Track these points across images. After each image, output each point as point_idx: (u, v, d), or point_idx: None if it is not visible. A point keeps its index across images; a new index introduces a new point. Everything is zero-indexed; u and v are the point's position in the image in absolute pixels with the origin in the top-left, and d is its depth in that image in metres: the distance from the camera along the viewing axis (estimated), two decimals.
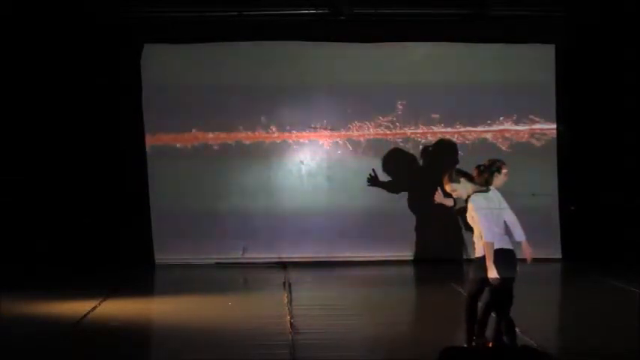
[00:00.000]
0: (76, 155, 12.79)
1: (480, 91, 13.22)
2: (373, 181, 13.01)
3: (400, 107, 13.25)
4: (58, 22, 12.60)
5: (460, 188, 7.54)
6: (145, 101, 13.05)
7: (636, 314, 8.49)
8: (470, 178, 7.59)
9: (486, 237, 7.33)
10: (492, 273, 7.26)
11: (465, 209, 7.61)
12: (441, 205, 7.97)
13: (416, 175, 13.14)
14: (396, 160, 13.25)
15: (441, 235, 12.85)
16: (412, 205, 13.05)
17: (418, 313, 10.25)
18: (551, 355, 7.41)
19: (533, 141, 13.34)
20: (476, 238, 7.51)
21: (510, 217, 7.65)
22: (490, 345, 7.47)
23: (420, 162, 13.20)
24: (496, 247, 7.33)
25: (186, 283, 11.76)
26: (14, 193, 12.52)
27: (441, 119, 13.27)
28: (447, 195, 7.84)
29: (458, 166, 12.80)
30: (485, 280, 7.37)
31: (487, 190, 7.57)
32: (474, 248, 7.64)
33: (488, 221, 7.39)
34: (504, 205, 7.62)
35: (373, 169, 13.01)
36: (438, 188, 7.96)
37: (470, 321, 7.53)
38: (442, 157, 13.08)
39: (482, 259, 7.34)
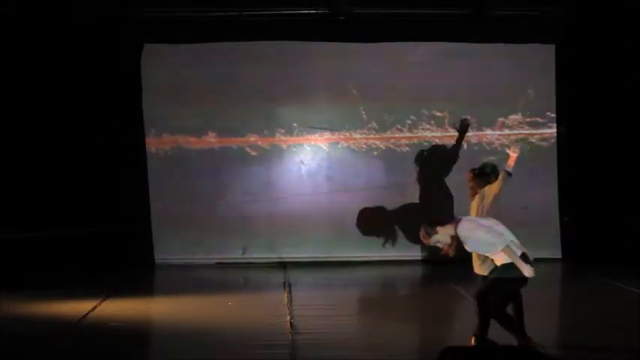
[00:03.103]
0: (77, 155, 12.79)
1: (479, 91, 13.21)
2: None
3: (400, 107, 13.24)
4: (57, 21, 12.60)
5: (441, 237, 7.48)
6: (145, 101, 13.05)
7: (636, 314, 8.49)
8: (442, 223, 7.54)
9: (500, 244, 7.32)
10: (527, 271, 7.28)
11: (457, 244, 7.56)
12: (422, 228, 7.85)
13: (415, 175, 13.13)
14: (395, 159, 13.25)
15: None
16: (412, 205, 13.04)
17: (418, 313, 10.24)
18: (551, 355, 7.40)
19: (533, 141, 13.33)
20: (489, 254, 7.50)
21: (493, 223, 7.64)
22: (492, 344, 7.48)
23: (419, 162, 13.19)
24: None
25: (186, 283, 11.76)
26: (14, 193, 12.52)
27: (441, 119, 13.26)
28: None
29: (456, 166, 12.94)
30: (510, 281, 7.39)
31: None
32: (482, 261, 7.69)
33: (490, 231, 7.38)
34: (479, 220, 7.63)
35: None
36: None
37: (485, 317, 7.51)
38: (441, 157, 13.10)
39: (507, 265, 7.36)
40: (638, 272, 10.20)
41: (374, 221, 13.09)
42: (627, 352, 7.64)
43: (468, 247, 7.47)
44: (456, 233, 7.40)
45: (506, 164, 8.36)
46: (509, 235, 7.45)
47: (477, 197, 8.33)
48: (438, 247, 7.59)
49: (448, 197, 12.72)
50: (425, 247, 12.98)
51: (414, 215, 13.00)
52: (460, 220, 7.48)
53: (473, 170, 8.56)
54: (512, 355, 6.48)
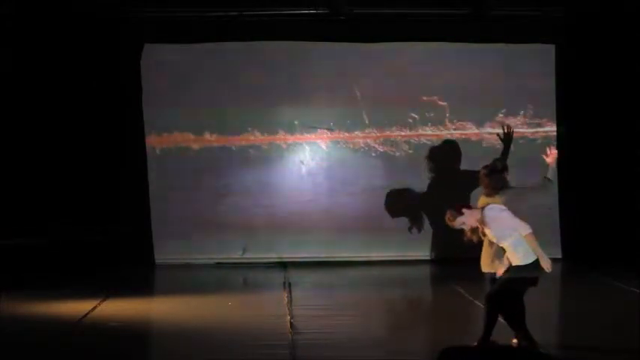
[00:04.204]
0: (77, 155, 12.79)
1: (479, 92, 13.22)
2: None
3: (400, 107, 13.24)
4: (57, 21, 12.60)
5: (467, 218, 7.49)
6: (145, 101, 13.05)
7: (636, 314, 8.49)
8: (468, 206, 7.55)
9: (525, 229, 7.34)
10: (546, 263, 7.32)
11: (482, 230, 7.56)
12: (448, 212, 7.84)
13: (415, 175, 13.13)
14: (395, 159, 13.26)
15: (442, 234, 12.83)
16: (412, 204, 13.04)
17: (418, 312, 10.25)
18: (551, 355, 7.41)
19: (533, 141, 13.32)
20: (509, 246, 7.45)
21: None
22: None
23: (418, 162, 13.18)
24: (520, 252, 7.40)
25: (186, 283, 11.77)
26: (14, 192, 12.53)
27: (441, 119, 13.26)
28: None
29: (462, 166, 12.93)
30: (522, 282, 7.42)
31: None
32: (492, 259, 7.67)
33: (515, 217, 7.40)
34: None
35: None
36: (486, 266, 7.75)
37: (492, 319, 7.50)
38: (441, 157, 13.11)
39: (522, 267, 7.37)
40: (638, 272, 10.20)
41: (402, 202, 13.05)
42: (627, 352, 7.65)
43: (491, 231, 7.44)
44: (483, 215, 7.40)
45: (548, 172, 8.18)
46: None
47: (499, 197, 8.14)
48: (462, 231, 7.57)
49: (462, 195, 12.61)
50: (426, 247, 13.01)
51: (414, 214, 13.02)
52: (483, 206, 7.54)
53: (486, 167, 8.43)
54: (512, 355, 6.48)
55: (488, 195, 8.08)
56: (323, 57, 13.27)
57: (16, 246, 12.18)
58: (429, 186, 13.06)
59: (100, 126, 12.81)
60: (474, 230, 7.51)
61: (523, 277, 7.40)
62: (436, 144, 13.22)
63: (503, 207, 7.51)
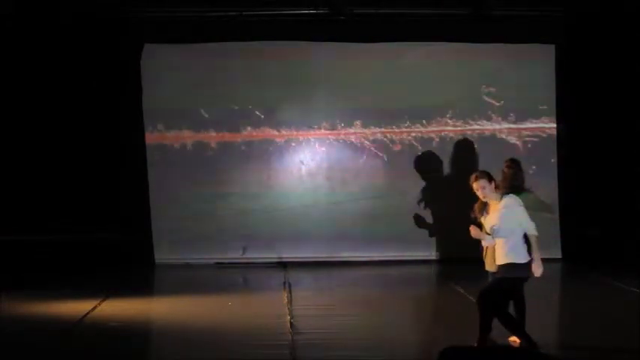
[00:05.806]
0: (76, 155, 12.81)
1: (480, 91, 13.23)
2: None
3: (399, 107, 13.24)
4: (58, 21, 12.61)
5: (489, 187, 7.50)
6: (145, 101, 13.06)
7: (636, 314, 8.49)
8: (496, 185, 7.57)
9: (534, 230, 7.42)
10: (539, 269, 7.42)
11: (483, 208, 7.58)
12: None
13: (415, 175, 13.13)
14: (395, 159, 13.26)
15: (442, 234, 12.84)
16: (412, 204, 13.03)
17: (418, 313, 10.25)
18: (551, 355, 7.40)
19: (533, 141, 13.33)
20: (506, 241, 7.46)
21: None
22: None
23: (419, 161, 13.19)
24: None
25: (186, 283, 11.77)
26: (14, 191, 12.54)
27: (441, 119, 13.26)
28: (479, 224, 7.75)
29: (462, 165, 12.92)
30: (511, 280, 7.45)
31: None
32: (494, 251, 7.67)
33: (528, 216, 7.46)
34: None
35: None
36: (474, 227, 7.66)
37: (487, 318, 7.50)
38: (441, 157, 13.12)
39: (509, 265, 7.40)
40: (638, 272, 10.20)
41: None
42: (627, 352, 7.65)
43: (499, 220, 7.45)
44: (501, 199, 7.46)
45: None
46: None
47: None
48: (470, 209, 7.64)
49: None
50: (426, 247, 12.99)
51: (415, 214, 13.01)
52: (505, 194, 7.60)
53: (511, 165, 8.40)
54: (512, 355, 6.48)
55: (506, 187, 8.00)
56: (323, 57, 13.26)
57: (17, 246, 12.19)
58: (432, 186, 13.07)
59: (100, 126, 12.82)
60: (482, 207, 7.54)
61: (511, 277, 7.42)
62: (436, 144, 13.22)
63: (522, 202, 7.54)
